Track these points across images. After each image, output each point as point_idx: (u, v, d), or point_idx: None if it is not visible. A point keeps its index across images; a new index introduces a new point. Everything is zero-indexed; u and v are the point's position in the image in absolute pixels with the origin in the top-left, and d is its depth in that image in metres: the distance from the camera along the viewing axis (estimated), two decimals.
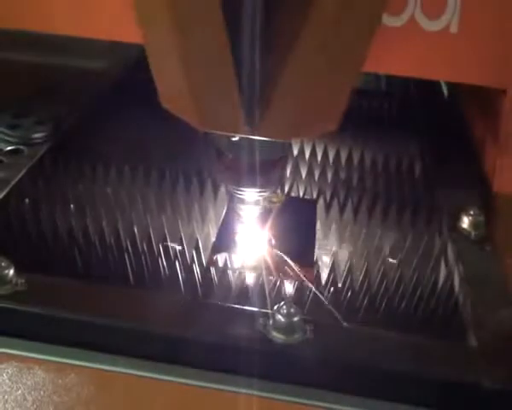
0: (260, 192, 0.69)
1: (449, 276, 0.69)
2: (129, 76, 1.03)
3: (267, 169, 0.67)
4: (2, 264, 0.59)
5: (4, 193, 0.74)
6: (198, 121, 0.56)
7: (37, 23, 0.78)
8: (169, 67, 0.55)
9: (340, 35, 0.51)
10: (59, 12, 0.77)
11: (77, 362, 0.56)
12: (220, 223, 0.79)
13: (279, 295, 0.67)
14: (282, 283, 0.67)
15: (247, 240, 0.76)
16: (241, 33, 0.51)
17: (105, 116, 0.96)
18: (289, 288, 0.67)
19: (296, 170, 0.89)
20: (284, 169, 0.69)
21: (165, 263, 0.70)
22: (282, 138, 0.59)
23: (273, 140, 0.59)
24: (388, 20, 0.72)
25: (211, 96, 0.54)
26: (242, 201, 0.70)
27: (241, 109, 0.54)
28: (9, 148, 0.84)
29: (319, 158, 0.92)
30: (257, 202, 0.70)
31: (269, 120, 0.54)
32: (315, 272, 0.70)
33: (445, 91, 1.10)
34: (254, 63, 0.52)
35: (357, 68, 0.56)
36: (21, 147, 0.84)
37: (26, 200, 0.76)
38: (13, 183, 0.76)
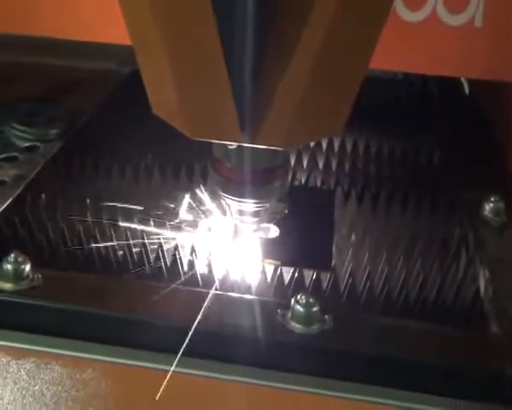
0: (259, 203, 0.65)
1: (470, 263, 0.68)
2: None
3: (266, 179, 0.62)
4: (19, 259, 0.59)
5: (21, 189, 0.74)
6: (190, 130, 0.54)
7: (29, 27, 0.78)
8: (160, 76, 0.53)
9: (340, 41, 0.50)
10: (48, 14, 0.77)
11: (94, 356, 0.56)
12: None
13: (298, 285, 0.66)
14: (300, 273, 0.67)
15: (264, 232, 0.75)
16: (237, 41, 0.49)
17: (118, 113, 0.96)
18: (308, 278, 0.66)
19: (313, 161, 0.89)
20: (285, 178, 0.65)
21: (183, 258, 0.69)
22: (281, 146, 0.55)
23: (271, 148, 0.56)
24: (408, 15, 0.69)
25: (204, 105, 0.52)
26: (241, 212, 0.66)
27: (236, 117, 0.51)
28: (25, 144, 0.84)
29: (336, 149, 0.91)
30: (256, 214, 0.66)
31: (266, 127, 0.52)
32: (333, 262, 0.69)
33: (466, 87, 1.07)
34: (251, 71, 0.50)
35: (360, 75, 0.53)
36: (37, 143, 0.84)
37: (43, 195, 0.76)
38: (29, 179, 0.76)
